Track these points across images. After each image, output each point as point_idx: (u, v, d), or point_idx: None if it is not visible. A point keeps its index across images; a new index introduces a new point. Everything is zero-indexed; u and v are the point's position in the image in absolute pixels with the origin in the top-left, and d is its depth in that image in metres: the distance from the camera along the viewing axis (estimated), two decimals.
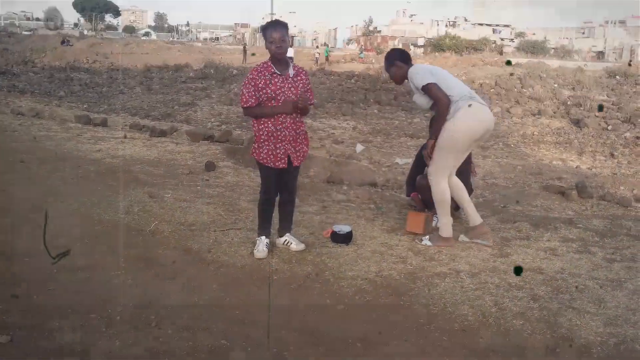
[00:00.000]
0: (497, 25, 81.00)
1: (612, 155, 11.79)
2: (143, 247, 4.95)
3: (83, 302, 3.88)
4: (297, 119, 4.66)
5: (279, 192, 4.90)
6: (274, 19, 4.65)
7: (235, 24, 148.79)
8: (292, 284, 4.20)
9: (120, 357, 3.20)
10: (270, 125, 4.60)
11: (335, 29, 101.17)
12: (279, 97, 4.57)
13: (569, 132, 14.39)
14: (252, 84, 4.58)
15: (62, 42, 51.90)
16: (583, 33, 77.42)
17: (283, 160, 4.69)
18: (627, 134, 13.72)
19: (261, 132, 4.66)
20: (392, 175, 9.22)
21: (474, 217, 5.06)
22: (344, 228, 5.00)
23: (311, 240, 5.02)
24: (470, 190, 5.77)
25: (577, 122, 15.40)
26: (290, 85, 4.58)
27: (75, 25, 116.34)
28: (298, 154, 4.74)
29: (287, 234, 4.92)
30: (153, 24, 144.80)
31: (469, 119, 4.76)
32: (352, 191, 7.47)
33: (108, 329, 3.50)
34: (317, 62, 44.42)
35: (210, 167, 8.15)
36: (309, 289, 4.11)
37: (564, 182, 8.58)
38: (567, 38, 72.99)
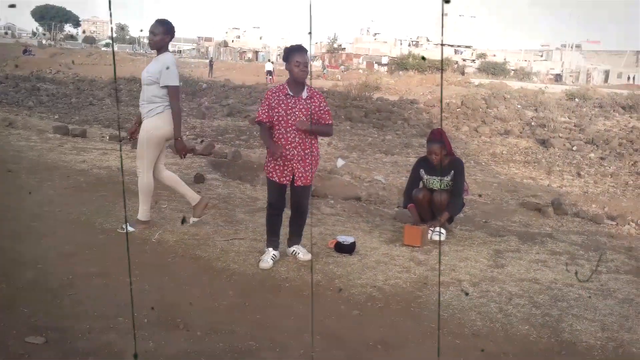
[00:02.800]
0: (458, 45, 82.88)
1: (579, 174, 12.30)
2: (151, 255, 5.09)
3: (106, 306, 4.00)
4: (308, 140, 4.86)
5: (291, 210, 5.11)
6: (297, 44, 4.89)
7: (199, 37, 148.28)
8: (305, 291, 4.39)
9: (157, 356, 3.35)
10: (280, 142, 4.83)
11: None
12: (289, 117, 4.80)
13: (537, 151, 14.93)
14: (267, 103, 4.84)
15: (24, 52, 51.13)
16: (541, 56, 79.85)
17: (288, 177, 4.91)
18: (592, 155, 14.33)
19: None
20: (374, 191, 9.49)
21: (193, 196, 5.85)
22: (347, 239, 5.23)
23: (315, 250, 5.23)
24: (462, 206, 6.08)
25: (544, 142, 15.99)
26: (301, 107, 4.80)
27: (34, 34, 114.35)
28: (305, 174, 4.93)
29: (296, 245, 5.12)
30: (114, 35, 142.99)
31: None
32: (339, 205, 7.71)
33: (139, 331, 3.64)
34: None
35: (199, 179, 8.28)
36: (321, 296, 4.31)
37: (539, 200, 8.98)
38: (526, 60, 75.20)
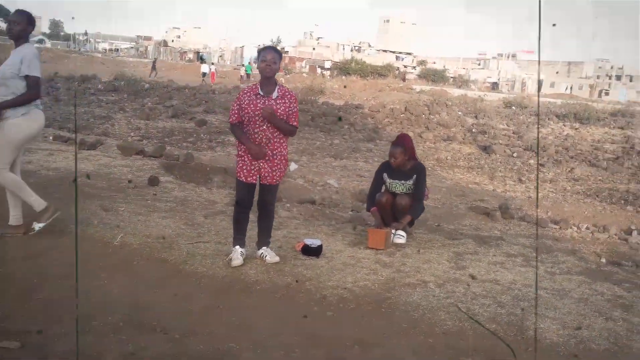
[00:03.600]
0: (400, 52, 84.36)
1: (520, 180, 12.78)
2: (116, 259, 5.04)
3: (79, 308, 3.95)
4: (276, 139, 4.94)
5: (258, 209, 5.15)
6: (268, 45, 5.01)
7: (138, 36, 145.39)
8: (276, 294, 4.45)
9: (139, 358, 3.35)
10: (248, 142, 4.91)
11: (242, 47, 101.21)
12: (257, 118, 4.87)
13: (479, 157, 15.39)
14: (238, 103, 4.91)
15: None
16: (479, 64, 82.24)
17: (254, 177, 4.98)
18: (531, 161, 14.90)
19: (240, 148, 4.98)
20: (327, 194, 9.60)
21: (39, 202, 5.51)
22: (314, 242, 5.32)
23: (282, 253, 5.29)
24: (422, 210, 6.26)
25: (485, 149, 16.50)
26: (271, 106, 4.87)
27: None
28: (272, 173, 5.00)
29: (264, 247, 5.17)
30: (48, 31, 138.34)
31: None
32: (295, 208, 7.80)
33: (116, 334, 3.63)
34: (242, 78, 44.68)
35: (153, 181, 8.20)
36: (294, 298, 4.38)
37: (486, 204, 9.31)
38: (464, 68, 77.23)
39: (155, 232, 5.81)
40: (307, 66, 76.72)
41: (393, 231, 5.89)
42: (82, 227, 5.81)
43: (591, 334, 3.97)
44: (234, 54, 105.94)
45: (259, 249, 5.22)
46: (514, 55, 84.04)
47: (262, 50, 5.00)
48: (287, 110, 4.93)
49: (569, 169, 14.04)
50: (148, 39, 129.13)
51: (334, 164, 13.67)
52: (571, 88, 66.51)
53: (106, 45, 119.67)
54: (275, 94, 4.91)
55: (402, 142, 6.06)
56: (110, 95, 26.72)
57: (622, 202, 10.50)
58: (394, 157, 6.04)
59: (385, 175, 6.18)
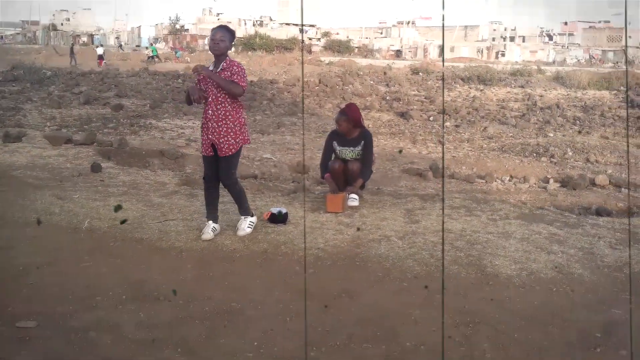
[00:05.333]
0: (303, 25, 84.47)
1: (440, 142, 13.56)
2: (91, 243, 5.22)
3: (75, 290, 4.16)
4: (219, 112, 5.17)
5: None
6: (221, 24, 5.28)
7: (23, 21, 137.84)
8: (257, 259, 4.81)
9: (151, 325, 3.64)
10: (202, 117, 5.26)
11: (138, 27, 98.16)
12: (204, 88, 5.18)
13: (399, 123, 16.09)
14: (197, 80, 5.20)
15: None
16: (381, 33, 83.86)
17: (209, 150, 5.27)
18: (447, 124, 15.77)
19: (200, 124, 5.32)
20: (267, 169, 9.92)
21: None
22: (281, 210, 5.68)
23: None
24: (371, 173, 6.74)
25: (403, 115, 17.25)
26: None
27: None
28: (221, 145, 5.22)
29: (242, 218, 5.44)
30: None
31: None
32: (241, 183, 8.10)
33: (124, 306, 3.89)
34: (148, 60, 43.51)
35: (96, 168, 8.25)
36: (275, 261, 4.76)
37: (417, 166, 9.93)
38: (367, 38, 78.58)
39: (118, 215, 5.97)
40: None
41: (347, 195, 6.34)
42: (45, 215, 5.90)
43: (538, 266, 4.59)
44: (131, 34, 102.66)
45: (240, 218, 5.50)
46: (413, 23, 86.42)
47: (213, 29, 5.27)
48: (229, 75, 5.09)
49: (482, 128, 14.97)
50: (35, 23, 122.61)
51: (262, 139, 13.93)
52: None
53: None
54: (220, 67, 5.16)
55: (346, 111, 6.52)
56: (11, 85, 25.58)
57: (534, 154, 11.43)
58: (338, 124, 6.49)
59: (335, 143, 6.61)
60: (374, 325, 3.66)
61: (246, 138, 5.35)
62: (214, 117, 5.17)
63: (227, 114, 5.21)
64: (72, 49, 44.99)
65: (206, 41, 77.74)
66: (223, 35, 5.15)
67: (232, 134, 5.24)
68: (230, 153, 5.27)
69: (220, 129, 5.19)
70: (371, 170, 6.70)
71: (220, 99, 5.13)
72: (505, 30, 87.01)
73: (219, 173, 5.36)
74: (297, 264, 4.68)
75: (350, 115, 6.52)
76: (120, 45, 70.78)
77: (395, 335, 3.53)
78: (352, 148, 6.53)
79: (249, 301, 3.98)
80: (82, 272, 4.53)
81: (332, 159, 6.62)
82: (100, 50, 43.69)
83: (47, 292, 4.14)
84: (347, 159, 6.52)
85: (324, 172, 6.56)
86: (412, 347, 3.40)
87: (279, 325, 3.66)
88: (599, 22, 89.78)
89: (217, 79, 5.06)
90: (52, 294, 4.09)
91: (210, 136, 5.23)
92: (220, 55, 5.17)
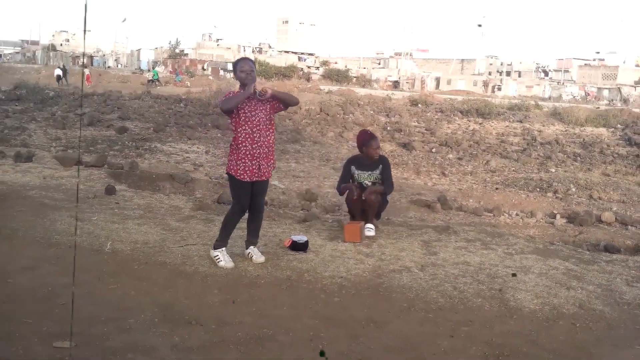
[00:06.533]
0: (302, 53, 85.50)
1: (443, 174, 13.72)
2: (115, 265, 5.27)
3: (106, 311, 4.22)
4: (269, 137, 5.33)
5: (250, 210, 5.50)
6: (243, 57, 5.47)
7: (23, 40, 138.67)
8: (282, 286, 4.88)
9: (186, 348, 3.69)
10: (244, 143, 5.30)
11: (138, 50, 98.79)
12: (250, 114, 5.30)
13: (402, 154, 16.28)
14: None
15: None
16: (379, 63, 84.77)
17: (254, 175, 5.33)
18: (450, 156, 15.96)
19: (239, 150, 5.33)
20: (275, 196, 10.02)
21: None
22: (301, 238, 5.77)
23: (271, 250, 5.70)
24: (385, 203, 6.86)
25: (405, 146, 17.45)
26: (260, 104, 5.33)
27: None
28: (268, 168, 5.38)
29: (251, 247, 5.53)
30: None
31: None
32: None
33: (157, 329, 3.95)
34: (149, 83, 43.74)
35: (110, 191, 8.32)
36: (299, 288, 4.83)
37: (424, 197, 10.07)
38: (364, 68, 79.39)
39: (139, 238, 6.05)
40: (210, 68, 76.19)
41: (363, 224, 6.44)
42: (67, 237, 5.96)
43: (560, 301, 4.69)
44: (130, 57, 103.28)
45: (247, 248, 5.58)
46: (410, 54, 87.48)
47: (239, 62, 5.43)
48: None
49: (485, 162, 15.17)
50: (35, 43, 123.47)
51: None
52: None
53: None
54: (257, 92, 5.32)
55: (375, 136, 6.80)
56: (14, 104, 25.72)
57: (538, 189, 11.60)
58: (372, 148, 6.78)
59: (353, 167, 6.79)
60: (404, 355, 3.74)
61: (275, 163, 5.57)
62: (265, 142, 5.29)
63: (272, 137, 5.40)
64: (64, 69, 45.89)
65: (206, 65, 78.47)
66: (251, 67, 5.35)
67: (273, 155, 5.47)
68: (270, 176, 5.48)
69: (270, 152, 5.36)
70: (387, 200, 6.85)
71: (268, 125, 5.30)
72: (501, 65, 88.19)
73: (258, 199, 5.48)
74: (322, 291, 4.76)
75: (378, 141, 6.85)
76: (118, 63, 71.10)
77: None
78: (370, 172, 6.74)
79: (279, 328, 4.04)
80: (110, 294, 4.58)
81: (350, 185, 6.77)
82: (58, 71, 44.14)
83: (79, 313, 4.18)
84: (366, 183, 6.68)
85: (342, 189, 6.75)
86: None
87: (311, 352, 3.72)
88: (594, 59, 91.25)
89: (281, 94, 5.39)
90: (84, 315, 4.14)
91: (261, 161, 5.29)
92: (250, 85, 5.32)
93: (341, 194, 6.79)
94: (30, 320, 4.02)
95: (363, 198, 6.50)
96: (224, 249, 5.42)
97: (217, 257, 5.35)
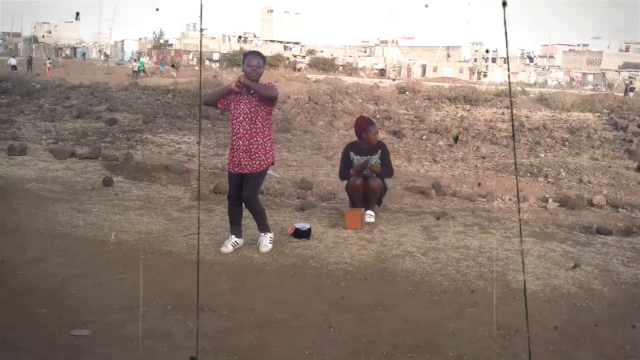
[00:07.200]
0: (287, 42, 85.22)
1: (435, 161, 13.82)
2: (121, 255, 5.33)
3: (118, 300, 4.29)
4: (251, 129, 5.36)
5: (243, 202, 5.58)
6: (253, 50, 5.47)
7: (4, 32, 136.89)
8: (288, 272, 4.97)
9: (202, 334, 3.78)
10: (231, 135, 5.46)
11: (122, 41, 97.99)
12: (235, 106, 5.43)
13: (392, 142, 16.34)
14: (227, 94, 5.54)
15: None
16: (365, 52, 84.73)
17: (237, 167, 5.43)
18: (441, 143, 16.08)
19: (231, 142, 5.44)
20: (271, 185, 10.08)
21: None
22: (304, 225, 5.86)
23: (274, 238, 5.78)
24: (385, 189, 6.96)
25: (395, 133, 17.54)
26: (246, 100, 5.41)
27: None
28: (251, 162, 5.40)
29: (261, 234, 5.59)
30: None
31: None
32: None
33: (171, 316, 4.03)
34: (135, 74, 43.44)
35: (108, 182, 8.36)
36: (305, 274, 4.92)
37: (418, 184, 10.17)
38: (350, 56, 79.34)
39: (142, 228, 6.12)
40: (195, 59, 75.75)
41: (364, 211, 6.55)
42: (70, 228, 6.02)
43: (560, 282, 4.82)
44: (114, 48, 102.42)
45: (260, 234, 5.64)
46: (396, 42, 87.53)
47: (248, 55, 5.49)
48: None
49: (475, 148, 15.30)
50: (17, 35, 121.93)
51: None
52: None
53: None
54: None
55: (373, 121, 6.89)
56: (0, 97, 25.50)
57: (529, 174, 11.74)
58: (371, 133, 6.91)
59: (352, 154, 6.88)
60: (414, 337, 3.84)
61: (273, 158, 5.56)
62: (246, 134, 5.33)
63: (258, 131, 5.39)
64: (30, 60, 47.58)
65: (191, 56, 78.03)
66: (259, 62, 5.38)
67: (262, 150, 5.42)
68: (259, 170, 5.44)
69: (251, 146, 5.36)
70: (386, 187, 6.95)
71: (252, 117, 5.31)
72: (487, 52, 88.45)
73: (244, 191, 5.48)
74: (328, 277, 4.85)
75: (376, 126, 6.94)
76: (107, 58, 70.45)
77: (437, 346, 3.71)
78: (369, 157, 6.82)
79: (290, 313, 4.13)
80: (120, 283, 4.66)
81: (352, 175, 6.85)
82: (13, 61, 45.81)
83: (91, 302, 4.26)
84: (366, 174, 6.78)
85: (345, 177, 6.83)
86: (455, 357, 3.58)
87: (324, 336, 3.82)
88: (578, 45, 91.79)
89: (253, 85, 5.29)
90: (97, 304, 4.22)
91: (241, 153, 5.37)
92: (256, 81, 5.38)
93: (346, 178, 6.87)
94: (45, 310, 4.08)
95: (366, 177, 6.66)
96: (232, 235, 5.54)
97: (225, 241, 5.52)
